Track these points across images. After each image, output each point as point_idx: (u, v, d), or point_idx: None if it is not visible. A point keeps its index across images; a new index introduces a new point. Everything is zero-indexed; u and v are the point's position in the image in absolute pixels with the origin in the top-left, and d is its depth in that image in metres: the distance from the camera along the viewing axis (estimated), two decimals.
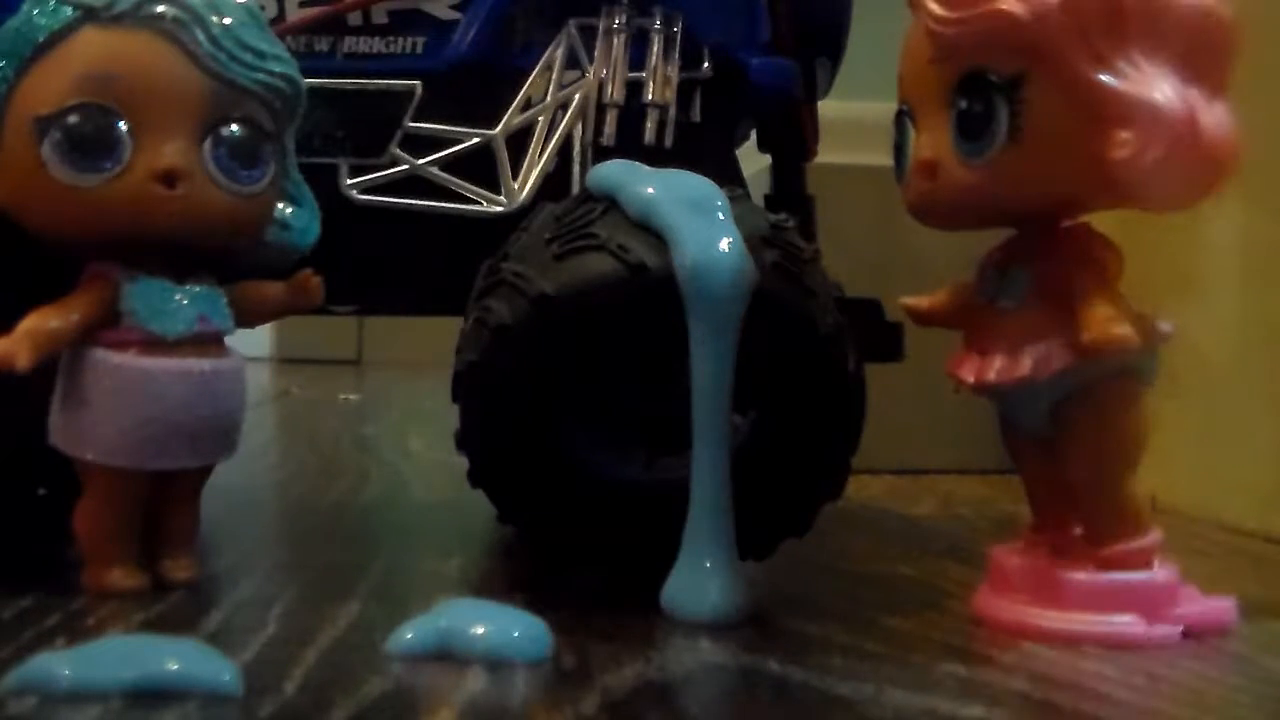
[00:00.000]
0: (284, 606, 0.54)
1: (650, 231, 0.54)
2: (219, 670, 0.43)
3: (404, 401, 1.15)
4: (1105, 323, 0.49)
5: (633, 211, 0.55)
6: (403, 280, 0.67)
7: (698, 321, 0.53)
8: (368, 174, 0.64)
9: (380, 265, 0.65)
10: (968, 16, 0.50)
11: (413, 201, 0.64)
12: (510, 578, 0.58)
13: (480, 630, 0.47)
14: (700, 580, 0.53)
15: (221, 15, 0.55)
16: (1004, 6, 0.49)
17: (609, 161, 0.58)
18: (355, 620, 0.53)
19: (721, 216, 0.54)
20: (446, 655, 0.47)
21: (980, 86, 0.50)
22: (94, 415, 0.54)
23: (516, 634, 0.48)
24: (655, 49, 0.64)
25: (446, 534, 0.75)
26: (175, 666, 0.43)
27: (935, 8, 0.51)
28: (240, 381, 0.57)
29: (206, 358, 0.55)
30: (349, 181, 0.64)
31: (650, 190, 0.55)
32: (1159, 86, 0.48)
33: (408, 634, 0.48)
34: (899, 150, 0.55)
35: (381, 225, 0.64)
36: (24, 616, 0.52)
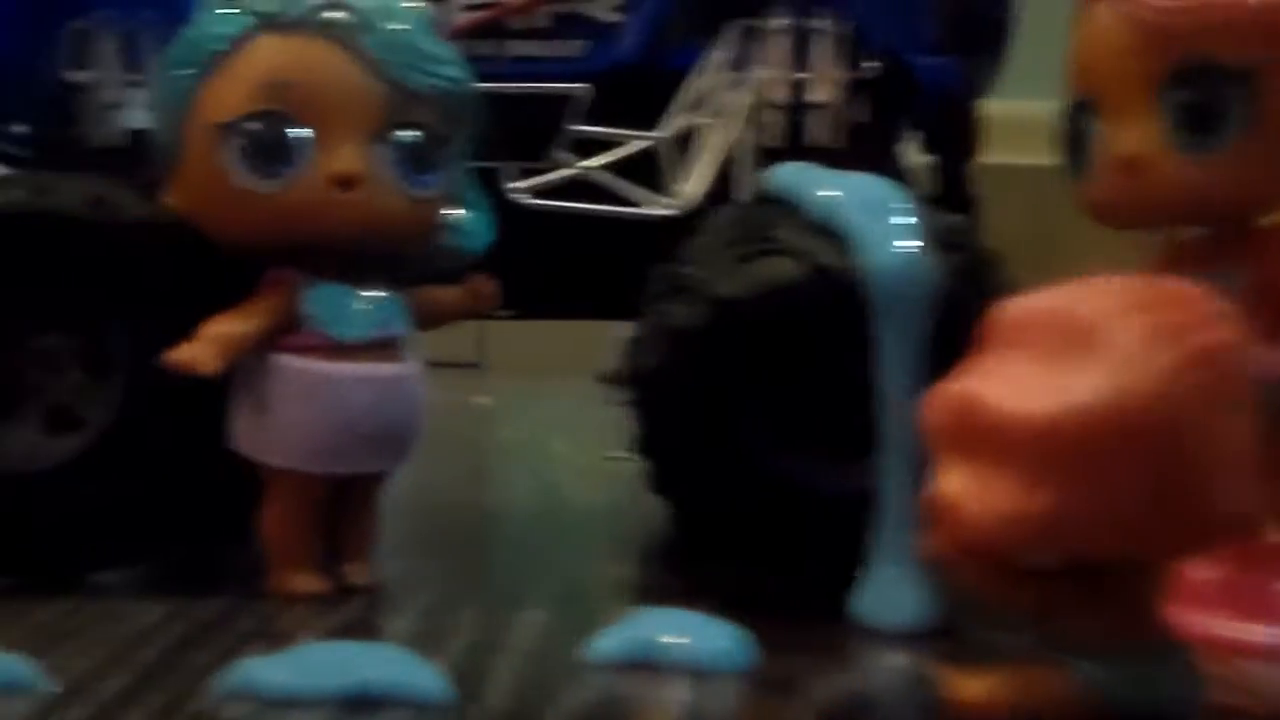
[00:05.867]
0: (469, 613, 0.54)
1: (832, 234, 0.53)
2: (429, 679, 0.43)
3: (533, 405, 1.15)
4: None
5: (814, 214, 0.54)
6: (562, 284, 0.66)
7: (884, 325, 0.52)
8: (531, 177, 0.63)
9: (540, 269, 0.65)
10: (1194, 6, 0.48)
11: (577, 205, 0.63)
12: (692, 584, 0.57)
13: (682, 639, 0.47)
14: (892, 588, 0.52)
15: (394, 21, 0.55)
16: None
17: (787, 164, 0.57)
18: (544, 628, 0.52)
19: (906, 219, 0.53)
20: (646, 664, 0.47)
21: (1206, 76, 0.49)
22: (276, 420, 0.54)
23: (719, 643, 0.47)
24: (821, 49, 0.63)
25: (614, 539, 0.75)
26: (386, 674, 0.43)
27: None
28: (418, 388, 0.57)
29: (386, 363, 0.55)
30: (512, 185, 0.63)
31: (833, 193, 0.54)
32: None
33: (605, 642, 0.48)
34: (1076, 145, 0.54)
35: (543, 229, 0.64)
36: (220, 620, 0.52)
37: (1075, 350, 0.38)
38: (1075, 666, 0.40)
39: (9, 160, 0.71)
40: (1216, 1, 0.48)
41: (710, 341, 0.54)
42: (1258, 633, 0.50)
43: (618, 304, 0.62)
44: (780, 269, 0.54)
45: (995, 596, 0.41)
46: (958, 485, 0.39)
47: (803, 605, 0.54)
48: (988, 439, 0.38)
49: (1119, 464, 0.37)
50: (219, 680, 0.43)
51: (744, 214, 0.56)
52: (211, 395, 0.55)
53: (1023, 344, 0.39)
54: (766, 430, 0.56)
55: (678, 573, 0.62)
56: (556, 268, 0.65)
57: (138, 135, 0.65)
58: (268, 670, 0.43)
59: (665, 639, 0.47)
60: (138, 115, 0.65)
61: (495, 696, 0.44)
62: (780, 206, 0.56)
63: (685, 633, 0.47)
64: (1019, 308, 0.40)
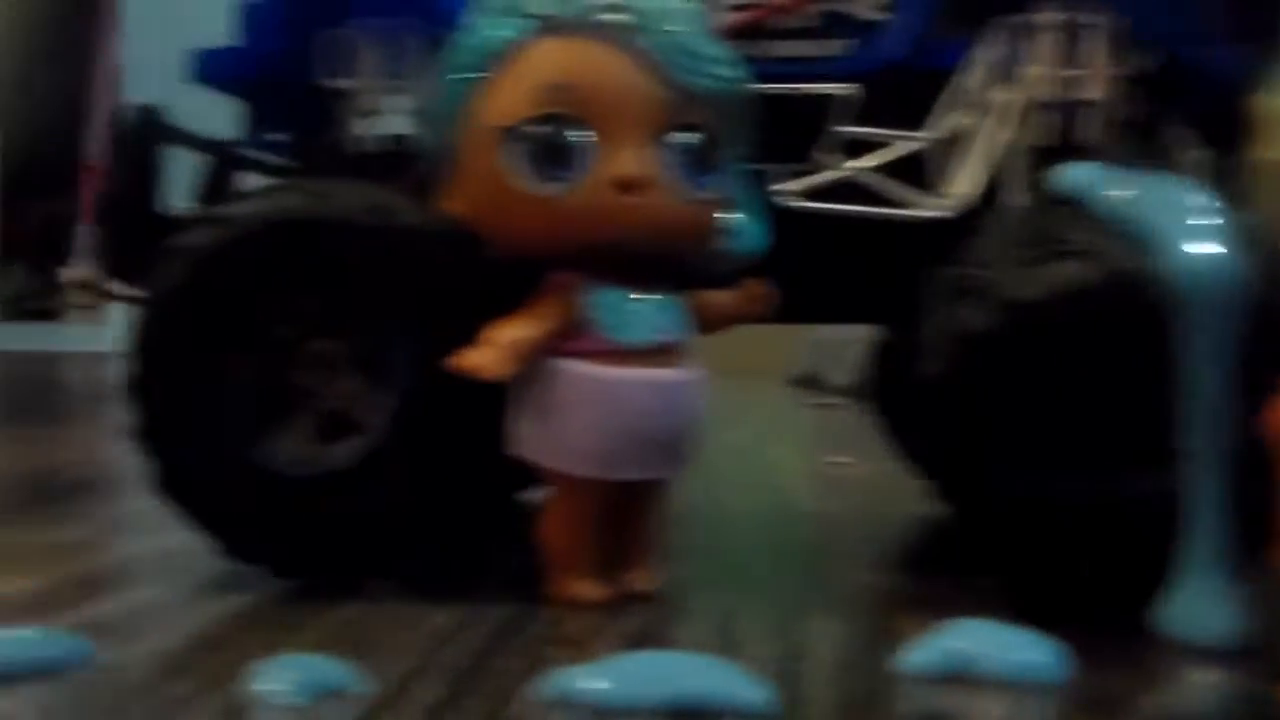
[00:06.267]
0: (758, 621, 0.53)
1: (1128, 236, 0.52)
2: (752, 689, 0.42)
3: (742, 408, 1.15)
4: None
5: (1108, 215, 0.53)
6: (826, 288, 0.65)
7: (1191, 329, 0.50)
8: (798, 180, 0.62)
9: (805, 273, 0.63)
10: None
11: (846, 207, 0.62)
12: (980, 595, 0.56)
13: (998, 652, 0.46)
14: (1202, 602, 0.51)
15: (673, 22, 0.54)
16: None
17: (1076, 164, 0.56)
18: (846, 636, 0.52)
19: (1210, 219, 0.52)
20: (959, 677, 0.45)
21: None
22: (560, 425, 0.54)
23: (1036, 657, 0.46)
24: (1092, 44, 0.62)
25: (870, 547, 0.74)
26: (708, 685, 0.42)
27: None
28: (699, 392, 0.56)
29: (667, 368, 0.55)
30: (779, 187, 0.62)
31: (1127, 192, 0.53)
32: None
33: (918, 655, 0.46)
34: None
35: (807, 231, 0.62)
36: (513, 627, 0.52)
37: None
38: None
39: (264, 168, 0.72)
40: None
41: (1001, 346, 0.53)
42: None
43: (873, 308, 0.61)
44: (1075, 272, 0.52)
45: None
46: None
47: (1101, 617, 0.52)
48: None
49: None
50: (537, 688, 0.43)
51: (1032, 215, 0.55)
52: (487, 400, 0.54)
53: None
54: (1060, 439, 0.54)
55: (964, 582, 0.60)
56: (820, 272, 0.64)
57: (397, 140, 0.65)
58: (589, 679, 0.42)
59: (980, 652, 0.46)
60: (397, 121, 0.65)
61: (817, 709, 0.43)
62: (1070, 207, 0.54)
63: (1000, 646, 0.46)
64: None
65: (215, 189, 0.70)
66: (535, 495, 0.57)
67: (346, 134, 0.66)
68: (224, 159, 0.71)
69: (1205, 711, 0.45)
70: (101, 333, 2.57)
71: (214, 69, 0.68)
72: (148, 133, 0.68)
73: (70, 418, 1.51)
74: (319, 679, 0.43)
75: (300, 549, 0.58)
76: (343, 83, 0.65)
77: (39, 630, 0.48)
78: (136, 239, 0.66)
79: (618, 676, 0.42)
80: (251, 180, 0.72)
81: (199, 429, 0.58)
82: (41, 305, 3.12)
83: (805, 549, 0.73)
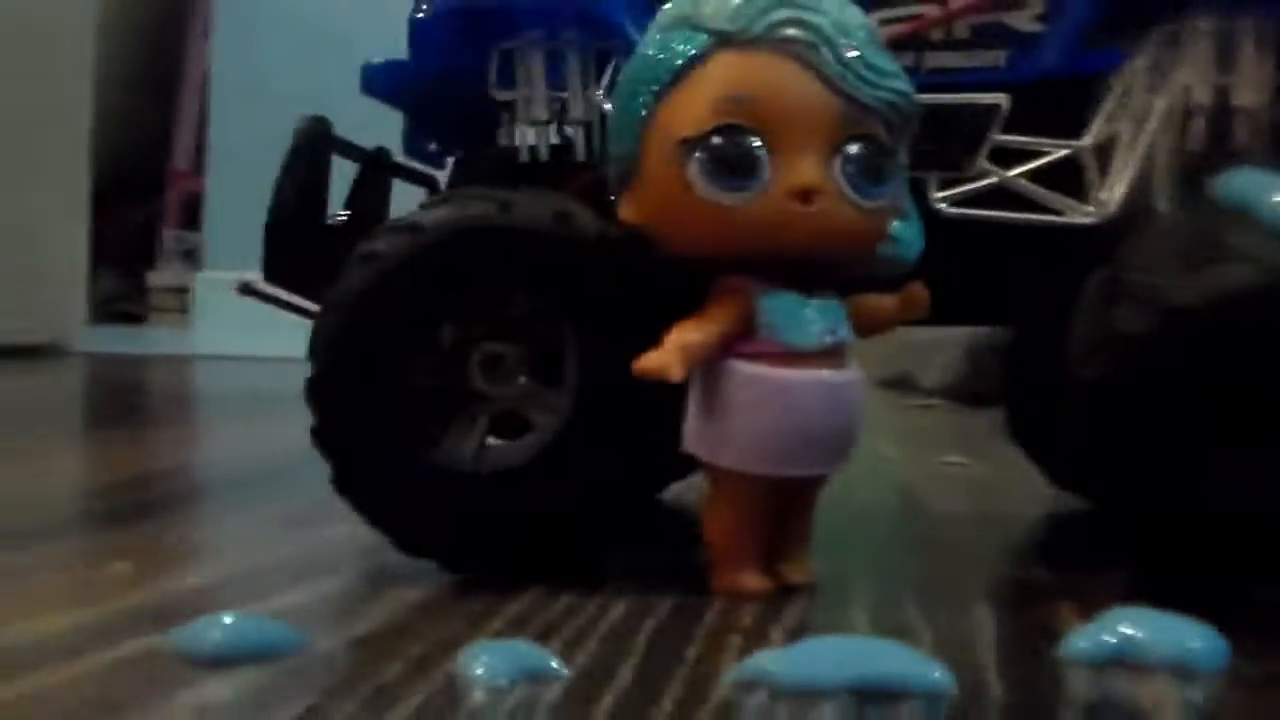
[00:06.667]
0: (914, 611, 0.56)
1: None
2: (933, 671, 0.44)
3: None
4: None
5: (1271, 221, 0.54)
6: (979, 291, 0.67)
7: None
8: (954, 187, 0.64)
9: (959, 277, 0.65)
10: None
11: (1001, 213, 0.64)
12: (1119, 586, 0.58)
13: (1161, 638, 0.48)
14: None
15: (848, 36, 0.56)
16: None
17: (1240, 170, 0.57)
18: (1002, 625, 0.54)
19: None
20: (1123, 663, 0.47)
21: None
22: (731, 424, 0.57)
23: (1198, 642, 0.48)
24: (1245, 51, 0.63)
25: (1014, 541, 0.76)
26: (892, 667, 0.44)
27: None
28: (861, 392, 0.58)
29: (835, 369, 0.57)
30: (938, 195, 0.64)
31: None
32: None
33: (1082, 641, 0.48)
34: None
35: (962, 237, 0.64)
36: (685, 616, 0.55)
37: None
38: None
39: (421, 179, 0.76)
40: None
41: (1162, 349, 0.54)
42: None
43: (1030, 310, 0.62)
44: (1236, 275, 0.54)
45: None
46: None
47: (1250, 609, 0.54)
48: None
49: None
50: (734, 672, 0.45)
51: (1191, 220, 0.56)
52: (654, 400, 0.57)
53: None
54: (1216, 435, 0.56)
55: (1091, 574, 0.62)
56: (971, 276, 0.66)
57: (559, 150, 0.68)
58: (782, 663, 0.45)
59: (1144, 638, 0.48)
60: (561, 131, 0.68)
61: (995, 689, 0.45)
62: (1230, 212, 0.56)
63: (1162, 632, 0.48)
64: None
65: (371, 198, 0.74)
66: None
67: (512, 144, 0.68)
68: (382, 169, 0.75)
69: None
70: (186, 336, 2.64)
71: (382, 82, 0.71)
72: (318, 143, 0.71)
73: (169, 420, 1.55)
74: (522, 663, 0.46)
75: (472, 544, 0.61)
76: (509, 94, 0.68)
77: (252, 616, 0.50)
78: (307, 248, 0.70)
79: (807, 660, 0.45)
80: (406, 191, 0.75)
81: (379, 428, 0.60)
82: (129, 308, 3.20)
83: (942, 544, 0.75)
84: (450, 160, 0.76)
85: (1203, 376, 0.55)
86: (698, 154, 0.56)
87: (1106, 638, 0.48)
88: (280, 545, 0.70)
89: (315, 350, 0.61)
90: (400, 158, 0.76)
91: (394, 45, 0.70)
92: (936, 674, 0.44)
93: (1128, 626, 0.48)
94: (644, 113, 0.57)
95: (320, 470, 0.61)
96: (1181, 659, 0.47)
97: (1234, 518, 0.56)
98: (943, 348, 1.76)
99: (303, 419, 0.61)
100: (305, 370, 0.61)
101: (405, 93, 0.71)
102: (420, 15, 0.68)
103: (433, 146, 0.76)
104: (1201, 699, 0.45)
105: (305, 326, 0.63)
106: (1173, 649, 0.47)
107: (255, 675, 0.46)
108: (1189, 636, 0.48)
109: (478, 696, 0.44)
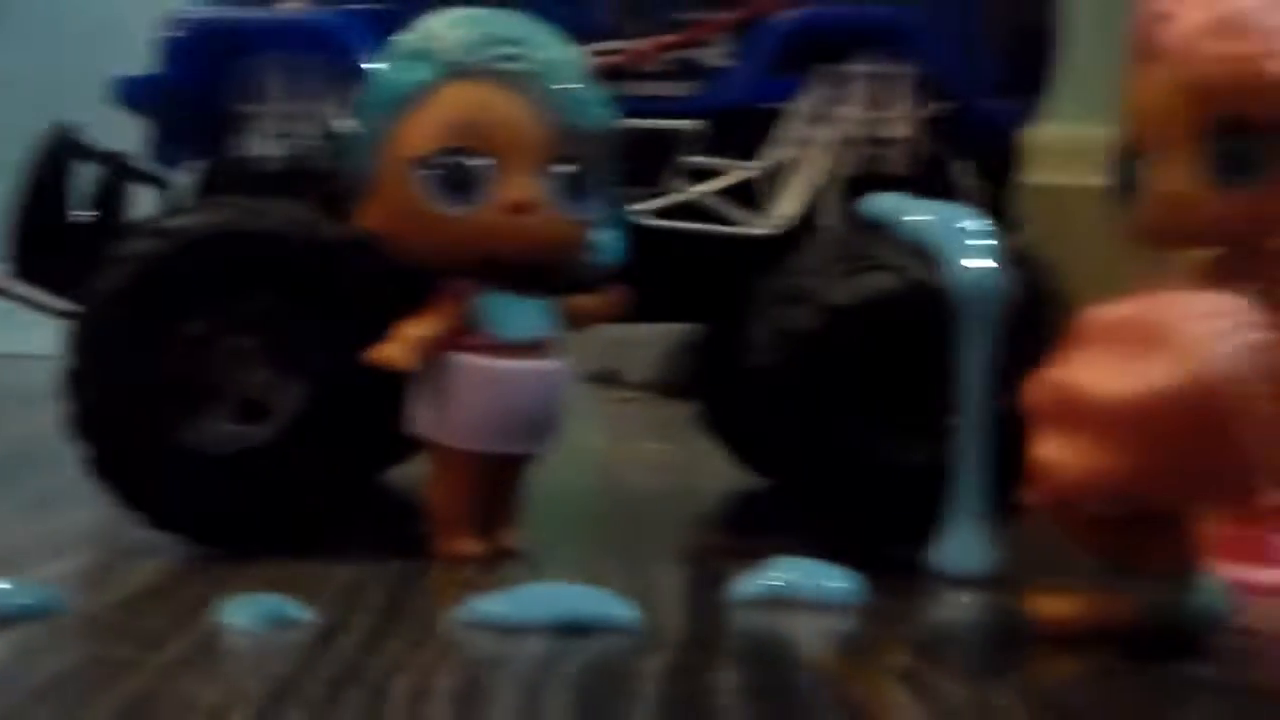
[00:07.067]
0: (610, 568, 0.65)
1: (923, 253, 0.64)
2: (624, 610, 0.53)
3: None
4: None
5: (906, 236, 0.65)
6: (672, 294, 0.76)
7: (966, 328, 0.63)
8: (651, 201, 0.74)
9: (656, 280, 0.74)
10: (1233, 72, 0.59)
11: (692, 225, 0.74)
12: (786, 546, 0.67)
13: (810, 580, 0.58)
14: (964, 544, 0.64)
15: (561, 69, 0.65)
16: (1267, 66, 0.58)
17: (882, 194, 0.68)
18: (685, 576, 0.64)
19: (983, 240, 0.64)
20: (780, 601, 0.57)
21: (1238, 130, 0.60)
22: (454, 408, 0.65)
23: (838, 584, 0.58)
24: (896, 91, 0.74)
25: (703, 513, 0.87)
26: (589, 607, 0.53)
27: (1197, 63, 0.60)
28: (566, 380, 0.67)
29: (543, 360, 0.66)
30: (637, 208, 0.73)
31: (921, 217, 0.65)
32: None
33: (746, 585, 0.58)
34: (1127, 181, 0.65)
35: (657, 246, 0.73)
36: (414, 575, 0.63)
37: (1149, 346, 0.48)
38: (1133, 589, 0.51)
39: (162, 183, 0.81)
40: (1251, 69, 0.59)
41: (821, 342, 0.65)
42: (1261, 575, 0.62)
43: (715, 310, 0.72)
44: (882, 282, 0.64)
45: (1078, 538, 0.52)
46: (1054, 451, 0.50)
47: (884, 558, 0.64)
48: (1079, 414, 0.49)
49: (1183, 434, 0.47)
50: (456, 614, 0.53)
51: (846, 235, 0.67)
52: (383, 389, 0.65)
53: (1106, 341, 0.50)
54: (863, 416, 0.66)
55: (764, 538, 0.71)
56: (669, 279, 0.75)
57: (296, 161, 0.75)
58: (498, 605, 0.53)
59: (796, 581, 0.58)
60: (299, 143, 0.75)
61: (673, 626, 0.54)
62: (877, 229, 0.66)
63: (811, 575, 0.58)
64: (1103, 313, 0.51)
65: (111, 200, 0.79)
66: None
67: (253, 155, 0.75)
68: (122, 173, 0.80)
69: (967, 621, 0.57)
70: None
71: (134, 94, 0.76)
72: (61, 148, 0.76)
73: None
74: (272, 612, 0.53)
75: (219, 518, 0.68)
76: (251, 108, 0.75)
77: (11, 581, 0.56)
78: (50, 246, 0.75)
79: (519, 602, 0.53)
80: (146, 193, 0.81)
81: (133, 416, 0.66)
82: None
83: (639, 516, 0.84)
84: (193, 167, 0.81)
85: (857, 366, 0.65)
86: (427, 171, 0.63)
87: (765, 580, 0.58)
88: (34, 524, 0.74)
89: (74, 344, 0.66)
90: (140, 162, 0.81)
91: (137, 52, 0.75)
92: (627, 612, 0.53)
93: (782, 571, 0.59)
94: (380, 133, 0.64)
95: (65, 457, 0.67)
96: (827, 596, 0.57)
97: (884, 486, 0.66)
98: (647, 345, 1.86)
99: (49, 410, 0.66)
100: (62, 363, 0.66)
101: (153, 104, 0.76)
102: (172, 33, 0.74)
103: (178, 154, 0.81)
104: (842, 627, 0.55)
105: (48, 323, 0.68)
106: (819, 588, 0.58)
107: (25, 632, 0.52)
108: (831, 578, 0.58)
109: (233, 641, 0.51)
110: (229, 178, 0.75)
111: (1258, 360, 0.48)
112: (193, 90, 0.75)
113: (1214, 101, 0.60)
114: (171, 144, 0.79)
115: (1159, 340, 0.48)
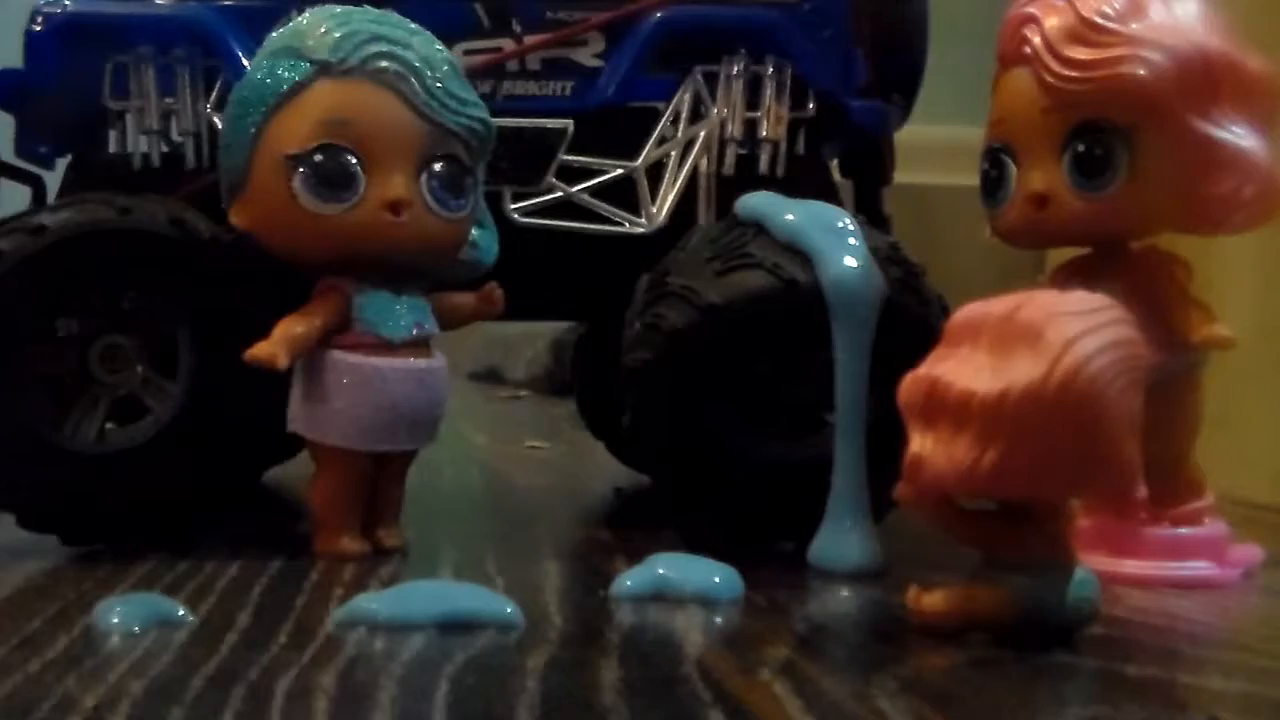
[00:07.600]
0: (493, 566, 0.65)
1: (796, 252, 0.65)
2: (505, 607, 0.54)
3: None
4: (1208, 325, 0.61)
5: (780, 235, 0.66)
6: (547, 291, 0.77)
7: (840, 326, 0.64)
8: (527, 200, 0.74)
9: (530, 278, 0.75)
10: (1093, 76, 0.61)
11: (565, 223, 0.74)
12: (667, 541, 0.68)
13: (690, 576, 0.59)
14: (843, 540, 0.65)
15: (433, 68, 0.65)
16: (1125, 70, 0.60)
17: (755, 193, 0.69)
18: (568, 573, 0.64)
19: (855, 239, 0.65)
20: (661, 597, 0.58)
21: (1099, 132, 0.62)
22: (333, 406, 0.65)
23: (718, 579, 0.59)
24: (769, 92, 0.75)
25: (584, 510, 0.87)
26: (471, 604, 0.54)
27: (1060, 68, 0.62)
28: (446, 378, 0.67)
29: (422, 358, 0.66)
30: (512, 206, 0.74)
31: (794, 217, 0.66)
32: (1247, 137, 0.60)
33: (628, 581, 0.59)
34: (992, 182, 0.67)
35: (533, 244, 0.74)
36: (292, 574, 0.62)
37: (1017, 344, 0.50)
38: (1008, 581, 0.52)
39: (24, 177, 0.80)
40: (1108, 74, 0.61)
41: (698, 340, 0.65)
42: (1129, 566, 0.64)
43: (584, 307, 0.73)
44: (756, 280, 0.65)
45: (950, 531, 0.53)
46: (925, 447, 0.51)
47: (766, 555, 0.66)
48: (949, 411, 0.50)
49: (1050, 429, 0.49)
50: (338, 613, 0.53)
51: (719, 235, 0.68)
52: (262, 388, 0.65)
53: (975, 339, 0.51)
54: (739, 413, 0.67)
55: (645, 533, 0.73)
56: (544, 277, 0.75)
57: (169, 158, 0.74)
58: (379, 603, 0.53)
59: (676, 576, 0.58)
60: (170, 140, 0.75)
61: (555, 622, 0.55)
62: (750, 228, 0.67)
63: (691, 571, 0.59)
64: (972, 312, 0.52)
65: None
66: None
67: (125, 151, 0.74)
68: None
69: (847, 615, 0.58)
70: None
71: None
72: None
73: None
74: (153, 612, 0.53)
75: (94, 518, 0.67)
76: (122, 104, 0.74)
77: None
78: None
79: (400, 600, 0.54)
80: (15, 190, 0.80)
81: (5, 414, 0.65)
82: None
83: (519, 513, 0.85)
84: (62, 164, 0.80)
85: (731, 364, 0.66)
86: (301, 169, 0.63)
87: (646, 577, 0.59)
88: None
89: None
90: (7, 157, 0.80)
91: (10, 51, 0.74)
92: (508, 609, 0.54)
93: (663, 567, 0.59)
94: (253, 131, 0.64)
95: None
96: (706, 591, 0.58)
97: (761, 483, 0.67)
98: (529, 343, 1.88)
99: None
100: None
101: (19, 99, 0.75)
102: (36, 28, 0.73)
103: (44, 149, 0.79)
104: (722, 621, 0.56)
105: None
106: (699, 583, 0.58)
107: None
108: (712, 573, 0.59)
109: (114, 641, 0.51)
110: (99, 174, 0.74)
111: (1122, 358, 0.50)
112: (58, 86, 0.73)
113: (1076, 105, 0.62)
114: (38, 140, 0.78)
115: (1027, 338, 0.49)
